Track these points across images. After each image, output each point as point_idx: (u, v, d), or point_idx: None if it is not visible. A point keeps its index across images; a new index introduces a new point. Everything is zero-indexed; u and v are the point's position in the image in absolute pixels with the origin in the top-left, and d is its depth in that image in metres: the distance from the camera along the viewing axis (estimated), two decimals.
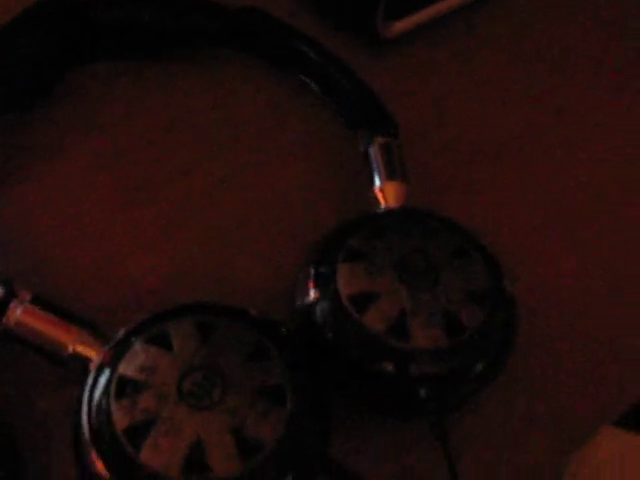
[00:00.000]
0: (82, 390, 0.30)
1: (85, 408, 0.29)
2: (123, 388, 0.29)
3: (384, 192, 0.38)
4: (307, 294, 0.34)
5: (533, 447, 0.35)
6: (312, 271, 0.34)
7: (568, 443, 0.35)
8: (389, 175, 0.38)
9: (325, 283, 0.33)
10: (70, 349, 0.31)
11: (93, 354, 0.31)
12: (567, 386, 0.36)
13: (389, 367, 0.32)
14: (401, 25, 0.47)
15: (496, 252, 0.36)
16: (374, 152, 0.39)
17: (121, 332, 0.31)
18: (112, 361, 0.30)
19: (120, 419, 0.28)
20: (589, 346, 0.38)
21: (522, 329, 0.35)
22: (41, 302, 0.32)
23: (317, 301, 0.33)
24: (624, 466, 0.35)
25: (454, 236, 0.35)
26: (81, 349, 0.31)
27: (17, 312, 0.32)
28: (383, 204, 0.38)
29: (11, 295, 0.32)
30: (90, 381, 0.30)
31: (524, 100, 0.47)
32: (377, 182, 0.38)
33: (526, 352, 0.36)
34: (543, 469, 0.34)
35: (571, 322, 0.38)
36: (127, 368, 0.29)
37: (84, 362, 0.31)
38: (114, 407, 0.29)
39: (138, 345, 0.30)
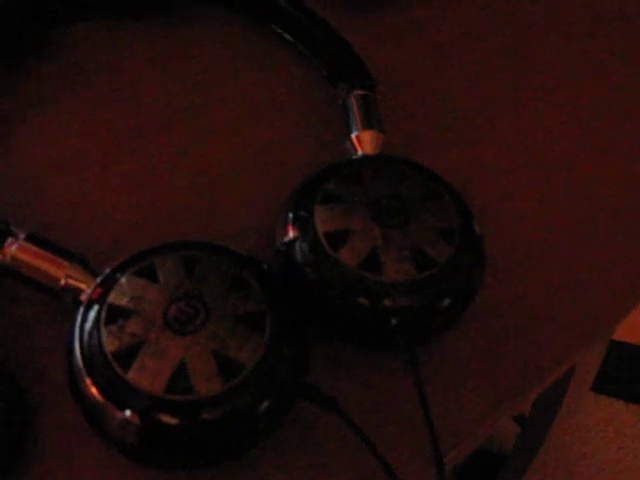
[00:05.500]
0: (74, 320, 0.32)
1: (77, 337, 0.31)
2: (112, 316, 0.31)
3: (360, 140, 0.40)
4: (286, 234, 0.35)
5: (496, 377, 0.37)
6: (291, 214, 0.36)
7: (531, 372, 0.37)
8: (366, 124, 0.40)
9: (303, 223, 0.35)
10: (62, 282, 0.33)
11: (84, 286, 0.33)
12: (531, 325, 0.38)
13: (363, 299, 0.33)
14: None
15: (466, 196, 0.38)
16: (352, 103, 0.41)
17: (110, 266, 0.33)
18: (102, 292, 0.32)
19: (110, 343, 0.30)
20: (551, 286, 0.40)
21: (489, 268, 0.37)
22: (35, 239, 0.34)
23: (295, 239, 0.35)
24: (607, 431, 0.37)
25: (426, 180, 0.37)
26: (72, 282, 0.33)
27: (12, 249, 0.34)
28: (360, 151, 0.39)
29: (7, 233, 0.34)
30: (81, 311, 0.32)
31: (499, 59, 0.49)
32: (354, 131, 0.40)
33: (493, 290, 0.38)
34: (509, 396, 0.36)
35: (534, 263, 0.40)
36: (116, 298, 0.31)
37: (75, 294, 0.33)
38: (104, 333, 0.31)
39: (126, 278, 0.32)
